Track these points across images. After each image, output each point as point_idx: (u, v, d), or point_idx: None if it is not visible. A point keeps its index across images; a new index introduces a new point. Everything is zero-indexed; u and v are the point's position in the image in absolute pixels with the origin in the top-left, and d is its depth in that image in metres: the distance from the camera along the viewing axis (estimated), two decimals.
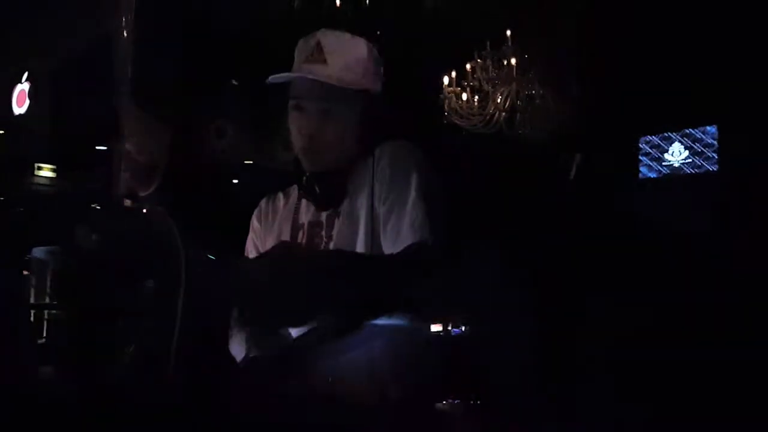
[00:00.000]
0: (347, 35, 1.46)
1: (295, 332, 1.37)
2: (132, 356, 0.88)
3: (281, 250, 1.22)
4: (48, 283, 0.95)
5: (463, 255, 1.41)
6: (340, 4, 4.20)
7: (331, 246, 1.41)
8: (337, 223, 1.43)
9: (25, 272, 0.99)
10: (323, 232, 1.44)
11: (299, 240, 1.47)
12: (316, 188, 1.44)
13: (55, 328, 0.97)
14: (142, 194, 1.01)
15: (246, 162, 5.47)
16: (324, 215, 1.45)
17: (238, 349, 1.42)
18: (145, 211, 0.93)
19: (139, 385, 0.84)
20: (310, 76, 1.40)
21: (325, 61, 1.40)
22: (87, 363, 0.90)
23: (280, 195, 1.57)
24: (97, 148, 1.00)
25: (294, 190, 1.54)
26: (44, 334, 1.02)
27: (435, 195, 1.39)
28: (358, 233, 1.39)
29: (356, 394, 1.28)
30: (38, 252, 0.95)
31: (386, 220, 1.37)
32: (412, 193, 1.36)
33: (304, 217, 1.48)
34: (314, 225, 1.46)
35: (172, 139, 1.09)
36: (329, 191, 1.44)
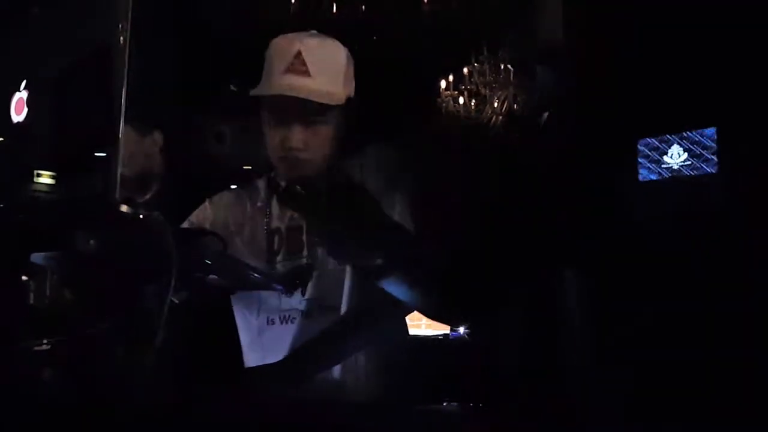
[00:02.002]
0: (327, 41, 1.42)
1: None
2: (125, 360, 0.89)
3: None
4: (46, 289, 0.96)
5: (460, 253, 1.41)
6: (336, 9, 4.22)
7: (316, 251, 1.39)
8: None
9: (24, 278, 0.99)
10: (303, 237, 1.43)
11: (276, 246, 1.44)
12: (299, 195, 1.42)
13: (54, 332, 0.98)
14: (140, 199, 1.02)
15: (245, 167, 5.47)
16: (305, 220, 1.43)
17: (243, 317, 1.41)
18: (141, 217, 0.94)
19: (130, 389, 0.85)
20: (295, 94, 1.36)
21: (307, 73, 1.36)
22: (84, 366, 0.90)
23: (243, 194, 1.52)
24: (95, 154, 1.00)
25: (255, 192, 1.50)
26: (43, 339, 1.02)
27: (423, 199, 1.38)
28: None
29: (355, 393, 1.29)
30: (36, 258, 0.96)
31: None
32: (398, 197, 1.35)
33: (279, 222, 1.46)
34: (293, 230, 1.44)
35: (167, 147, 1.10)
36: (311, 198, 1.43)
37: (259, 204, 1.49)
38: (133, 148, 1.10)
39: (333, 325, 1.37)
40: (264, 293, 1.41)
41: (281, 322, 1.42)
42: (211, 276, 1.11)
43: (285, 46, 1.40)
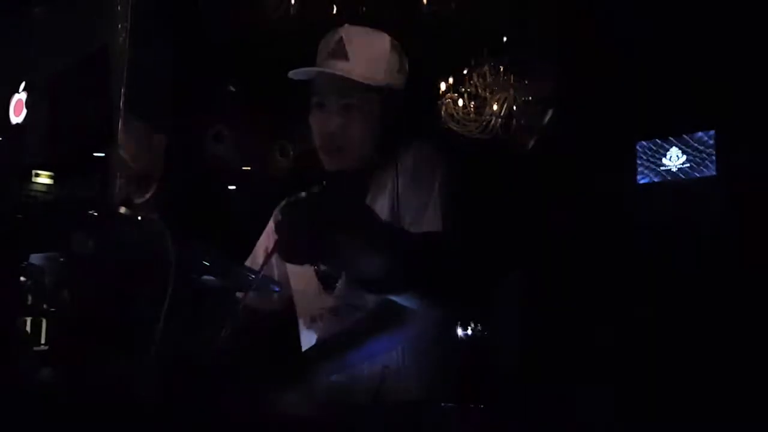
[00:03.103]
0: (371, 31, 1.44)
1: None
2: (124, 359, 0.89)
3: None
4: (44, 289, 0.96)
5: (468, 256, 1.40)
6: (336, 11, 4.22)
7: None
8: None
9: (22, 278, 1.00)
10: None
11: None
12: (335, 187, 1.41)
13: (52, 333, 0.98)
14: (137, 201, 1.02)
15: (244, 168, 5.49)
16: None
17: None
18: (139, 218, 0.94)
19: (130, 387, 0.85)
20: (330, 71, 1.37)
21: (346, 57, 1.38)
22: (81, 366, 0.91)
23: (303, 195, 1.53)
24: (93, 155, 1.01)
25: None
26: (42, 340, 1.03)
27: (455, 197, 1.38)
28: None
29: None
30: (35, 258, 0.96)
31: (405, 216, 1.36)
32: (434, 194, 1.35)
33: None
34: None
35: (168, 147, 1.10)
36: (350, 191, 1.42)
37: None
38: (135, 148, 1.11)
39: (354, 322, 1.38)
40: (298, 294, 1.43)
41: (320, 321, 1.44)
42: (208, 277, 1.11)
43: (330, 36, 1.43)
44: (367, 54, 1.39)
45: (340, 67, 1.38)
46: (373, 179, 1.42)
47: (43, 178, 1.22)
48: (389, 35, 1.45)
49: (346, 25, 1.43)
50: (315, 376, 1.28)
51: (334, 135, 1.40)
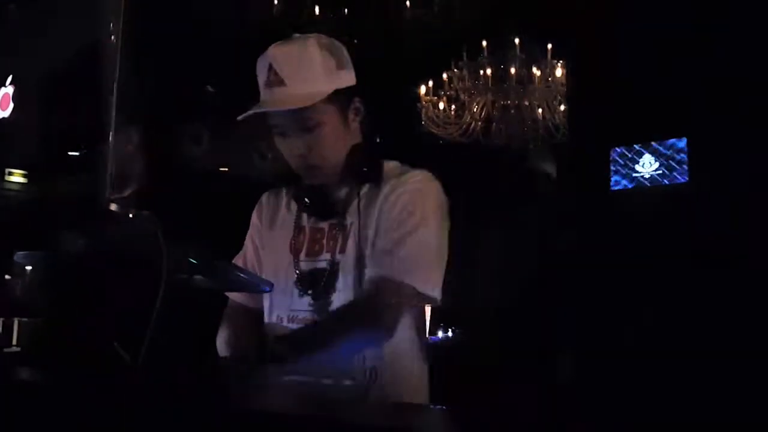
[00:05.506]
0: (294, 44, 1.40)
1: None
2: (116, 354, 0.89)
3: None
4: (32, 287, 0.95)
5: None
6: (319, 12, 4.22)
7: (338, 258, 1.41)
8: (341, 237, 1.41)
9: (7, 276, 0.99)
10: (324, 240, 1.44)
11: (300, 242, 1.47)
12: (315, 202, 1.43)
13: (38, 331, 0.97)
14: (117, 197, 1.01)
15: (222, 169, 5.46)
16: (326, 224, 1.45)
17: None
18: (131, 215, 0.94)
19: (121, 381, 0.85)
20: (270, 107, 1.37)
21: (282, 82, 1.35)
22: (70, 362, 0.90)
23: (283, 192, 1.55)
24: (86, 153, 1.00)
25: (290, 189, 1.52)
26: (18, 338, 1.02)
27: (437, 238, 1.39)
28: (365, 252, 1.38)
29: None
30: (23, 256, 0.95)
31: (379, 241, 1.37)
32: (423, 228, 1.35)
33: (306, 221, 1.48)
34: (315, 231, 1.46)
35: (143, 145, 1.09)
36: (327, 205, 1.43)
37: (292, 202, 1.50)
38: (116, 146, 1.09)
39: (325, 319, 1.39)
40: (277, 293, 1.43)
41: (288, 322, 1.44)
42: (198, 276, 1.11)
43: (261, 63, 1.41)
44: (301, 71, 1.36)
45: (279, 97, 1.36)
46: (362, 192, 1.41)
47: (26, 176, 1.21)
48: (314, 36, 1.42)
49: (271, 47, 1.40)
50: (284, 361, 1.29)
51: (303, 157, 1.40)
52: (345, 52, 1.43)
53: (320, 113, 1.37)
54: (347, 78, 1.42)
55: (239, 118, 1.37)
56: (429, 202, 1.40)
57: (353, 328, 1.34)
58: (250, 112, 1.37)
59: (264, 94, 1.39)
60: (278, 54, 1.38)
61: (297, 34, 1.43)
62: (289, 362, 1.28)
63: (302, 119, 1.37)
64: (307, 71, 1.37)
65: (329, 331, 1.36)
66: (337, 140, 1.40)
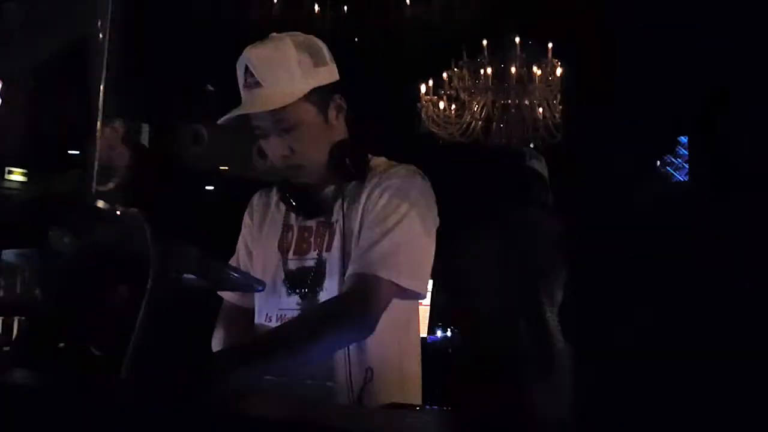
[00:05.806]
0: (268, 44, 1.39)
1: None
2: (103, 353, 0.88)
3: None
4: (21, 285, 0.95)
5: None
6: (318, 11, 4.22)
7: (324, 255, 1.40)
8: (327, 234, 1.41)
9: None
10: (312, 239, 1.43)
11: (288, 241, 1.46)
12: (301, 201, 1.43)
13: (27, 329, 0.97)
14: (101, 189, 1.00)
15: (222, 167, 5.46)
16: (314, 222, 1.44)
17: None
18: (118, 213, 0.93)
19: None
20: (248, 110, 1.36)
21: (259, 84, 1.35)
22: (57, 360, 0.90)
23: (273, 191, 1.54)
24: (68, 151, 0.99)
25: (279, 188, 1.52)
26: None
27: (418, 232, 1.37)
28: (351, 249, 1.37)
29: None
30: (10, 254, 0.95)
31: (362, 236, 1.36)
32: (401, 223, 1.34)
33: (294, 220, 1.48)
34: (304, 230, 1.45)
35: (128, 137, 1.08)
36: (313, 204, 1.43)
37: (280, 201, 1.50)
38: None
39: (300, 317, 1.38)
40: (266, 292, 1.43)
41: (278, 321, 1.44)
42: (188, 275, 1.10)
43: (239, 65, 1.40)
44: (276, 71, 1.35)
45: (257, 99, 1.35)
46: (347, 189, 1.40)
47: (17, 174, 1.20)
48: (290, 35, 1.40)
49: (247, 48, 1.39)
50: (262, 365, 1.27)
51: (286, 157, 1.39)
52: (324, 49, 1.42)
53: (298, 113, 1.36)
54: (326, 75, 1.40)
55: (219, 121, 1.37)
56: (411, 196, 1.38)
57: (319, 329, 1.30)
58: (229, 115, 1.37)
59: (243, 96, 1.39)
60: (253, 55, 1.37)
61: (274, 34, 1.42)
62: (231, 379, 1.14)
63: (281, 120, 1.36)
64: (283, 71, 1.36)
65: (283, 339, 1.31)
66: (319, 139, 1.39)
